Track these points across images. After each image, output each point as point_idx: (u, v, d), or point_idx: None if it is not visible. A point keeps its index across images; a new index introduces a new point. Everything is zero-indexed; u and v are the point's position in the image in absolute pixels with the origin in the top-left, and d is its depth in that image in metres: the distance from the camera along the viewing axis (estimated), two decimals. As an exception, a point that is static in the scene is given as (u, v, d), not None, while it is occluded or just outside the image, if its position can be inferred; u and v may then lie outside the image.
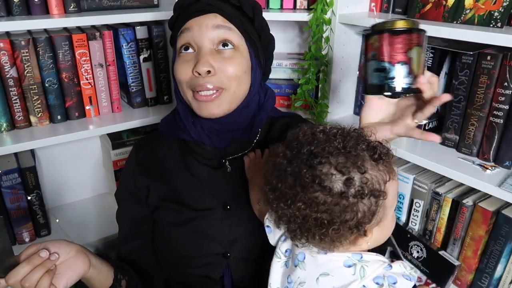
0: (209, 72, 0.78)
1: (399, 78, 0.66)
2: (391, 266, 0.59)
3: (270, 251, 0.73)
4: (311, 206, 0.55)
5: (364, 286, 0.57)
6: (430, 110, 0.70)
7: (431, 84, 0.69)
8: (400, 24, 0.66)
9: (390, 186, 0.59)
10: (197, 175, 0.88)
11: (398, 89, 0.67)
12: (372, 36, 0.69)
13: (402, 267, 0.60)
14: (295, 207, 0.56)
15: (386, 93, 0.68)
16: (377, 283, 0.57)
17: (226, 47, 0.80)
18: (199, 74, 0.78)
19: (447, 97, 0.70)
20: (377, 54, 0.67)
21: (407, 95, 0.71)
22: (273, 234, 0.72)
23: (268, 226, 0.73)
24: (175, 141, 0.91)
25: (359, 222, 0.56)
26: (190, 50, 0.81)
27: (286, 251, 0.68)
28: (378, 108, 0.76)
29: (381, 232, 0.63)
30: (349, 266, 0.60)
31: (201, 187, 0.87)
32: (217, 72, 0.79)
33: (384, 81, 0.67)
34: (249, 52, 0.84)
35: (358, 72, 0.78)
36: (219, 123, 0.85)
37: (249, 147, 0.90)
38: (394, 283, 0.57)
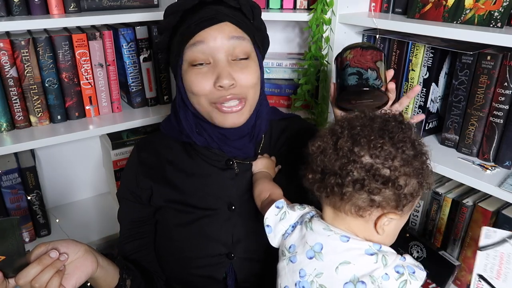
0: (231, 84, 0.77)
1: (371, 79, 0.81)
2: (405, 258, 0.62)
3: (273, 250, 0.73)
4: (385, 158, 0.59)
5: (386, 274, 0.59)
6: (406, 102, 0.88)
7: (392, 92, 0.84)
8: (367, 44, 0.87)
9: (421, 194, 0.65)
10: (203, 175, 0.88)
11: (371, 85, 0.81)
12: (346, 51, 0.85)
13: (412, 259, 0.62)
14: (378, 152, 0.59)
15: (364, 88, 0.81)
16: (397, 272, 0.59)
17: (242, 59, 0.80)
18: (222, 87, 0.77)
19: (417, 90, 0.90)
20: (351, 63, 0.83)
21: (377, 106, 0.85)
22: (274, 233, 0.72)
23: (268, 226, 0.72)
24: (178, 141, 0.91)
25: (405, 196, 0.60)
26: (205, 63, 0.79)
27: (290, 247, 0.68)
28: None
29: (393, 231, 0.66)
30: (371, 254, 0.61)
31: (207, 187, 0.87)
32: (238, 83, 0.79)
33: (359, 80, 0.81)
34: (257, 56, 0.84)
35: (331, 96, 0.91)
36: (231, 131, 0.85)
37: (255, 152, 0.91)
38: (413, 273, 0.60)
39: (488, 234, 0.72)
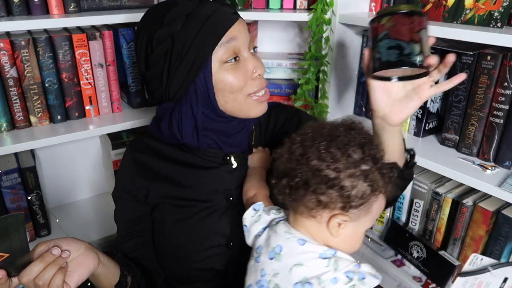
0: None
1: (413, 55, 0.69)
2: (359, 265, 0.63)
3: None
4: (330, 160, 0.62)
5: (335, 277, 0.61)
6: (444, 70, 0.74)
7: (434, 67, 0.73)
8: (409, 8, 0.71)
9: (381, 200, 0.66)
10: (200, 168, 0.88)
11: (413, 63, 0.70)
12: (383, 17, 0.71)
13: (369, 268, 0.64)
14: (323, 155, 0.62)
15: (403, 67, 0.70)
16: (347, 277, 0.61)
17: (253, 50, 0.85)
18: (260, 75, 0.82)
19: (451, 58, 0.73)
20: (390, 33, 0.70)
21: (415, 79, 0.74)
22: (249, 233, 0.76)
23: (245, 225, 0.77)
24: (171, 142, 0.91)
25: (350, 198, 0.62)
26: (235, 58, 0.81)
27: (258, 247, 0.72)
28: (387, 92, 0.78)
29: (351, 236, 0.67)
30: (324, 258, 0.64)
31: (204, 180, 0.88)
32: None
33: (400, 57, 0.70)
34: None
35: (363, 64, 0.79)
36: (236, 125, 0.87)
37: (249, 145, 0.92)
38: (363, 279, 0.61)
39: (474, 261, 0.70)
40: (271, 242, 0.69)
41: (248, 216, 0.76)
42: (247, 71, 0.81)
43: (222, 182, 0.88)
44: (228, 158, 0.88)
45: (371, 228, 1.30)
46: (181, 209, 0.88)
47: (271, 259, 0.68)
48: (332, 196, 0.62)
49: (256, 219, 0.75)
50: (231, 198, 0.88)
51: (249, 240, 0.76)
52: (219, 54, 0.78)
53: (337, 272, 0.62)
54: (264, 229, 0.74)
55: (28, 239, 1.26)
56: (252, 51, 0.84)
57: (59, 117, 1.17)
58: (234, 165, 0.89)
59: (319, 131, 0.65)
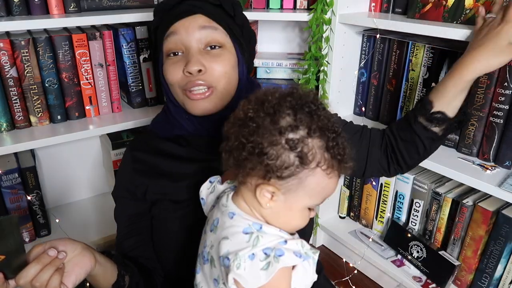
0: (200, 70, 0.80)
1: None
2: (286, 242, 0.61)
3: None
4: (254, 125, 0.59)
5: (253, 254, 0.59)
6: None
7: None
8: None
9: (319, 176, 0.61)
10: (198, 160, 0.89)
11: None
12: None
13: (298, 246, 0.61)
14: (250, 119, 0.60)
15: None
16: (265, 253, 0.59)
17: (213, 48, 0.83)
18: (190, 73, 0.80)
19: None
20: None
21: None
22: (206, 206, 0.77)
23: (202, 199, 0.77)
24: (170, 136, 0.92)
25: (273, 167, 0.59)
26: (179, 53, 0.82)
27: (208, 218, 0.73)
28: None
29: (284, 210, 0.64)
30: (246, 233, 0.62)
31: (201, 174, 0.88)
32: (208, 70, 0.81)
33: None
34: (235, 47, 0.86)
35: None
36: (214, 121, 0.86)
37: None
38: (280, 255, 0.58)
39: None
40: (213, 214, 0.70)
41: (204, 189, 0.77)
42: (181, 66, 0.82)
43: (217, 173, 0.88)
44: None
45: (371, 228, 1.30)
46: (179, 205, 0.88)
47: (211, 231, 0.68)
48: (253, 162, 0.59)
49: (212, 190, 0.76)
50: None
51: (206, 212, 0.77)
52: (163, 47, 0.83)
53: (256, 248, 0.59)
54: (217, 199, 0.74)
55: (28, 240, 1.26)
56: (208, 48, 0.82)
57: (59, 117, 1.17)
58: None
59: (258, 95, 0.62)
